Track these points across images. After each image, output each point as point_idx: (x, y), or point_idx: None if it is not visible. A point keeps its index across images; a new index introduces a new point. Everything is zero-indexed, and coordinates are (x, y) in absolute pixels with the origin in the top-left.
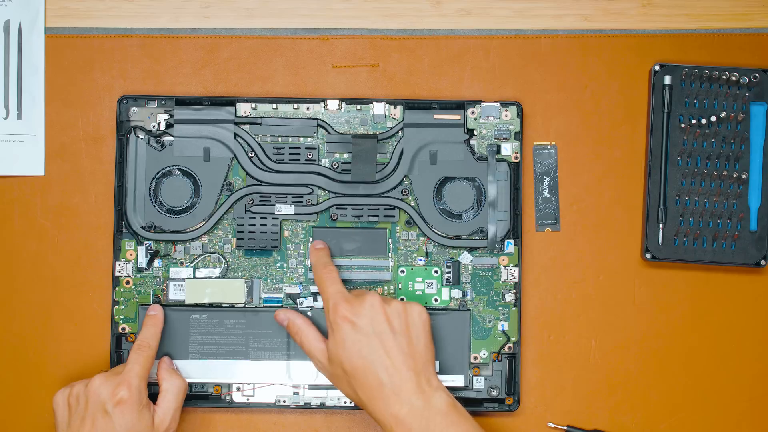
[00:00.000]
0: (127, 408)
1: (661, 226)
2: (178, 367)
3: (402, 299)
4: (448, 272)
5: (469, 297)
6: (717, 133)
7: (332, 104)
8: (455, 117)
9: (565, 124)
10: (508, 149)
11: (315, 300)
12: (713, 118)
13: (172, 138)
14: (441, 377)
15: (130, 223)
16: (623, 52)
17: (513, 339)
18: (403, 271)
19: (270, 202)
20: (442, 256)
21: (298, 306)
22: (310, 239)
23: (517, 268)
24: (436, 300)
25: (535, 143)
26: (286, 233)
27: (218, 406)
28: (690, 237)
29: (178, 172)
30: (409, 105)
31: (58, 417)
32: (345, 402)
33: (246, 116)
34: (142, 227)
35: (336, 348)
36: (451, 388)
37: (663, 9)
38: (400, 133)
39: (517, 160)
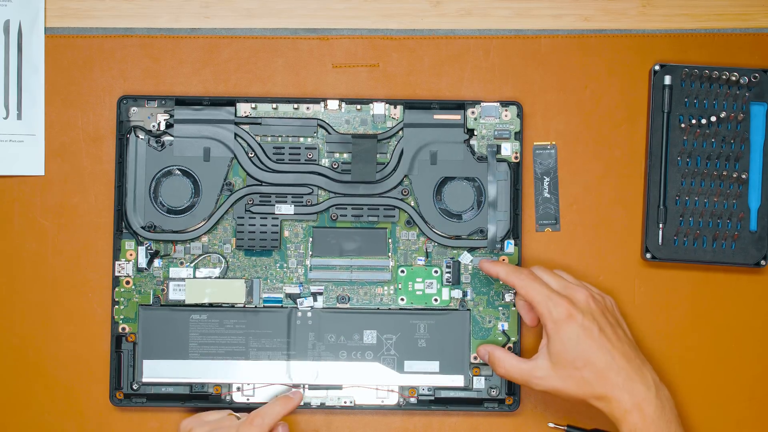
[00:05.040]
0: None
1: (661, 226)
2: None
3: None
4: (448, 272)
5: (469, 297)
6: (717, 133)
7: (332, 104)
8: (455, 117)
9: (565, 124)
10: (508, 149)
11: (315, 300)
12: (713, 118)
13: (172, 138)
14: (440, 377)
15: (130, 223)
16: (623, 52)
17: (513, 339)
18: (403, 271)
19: (270, 202)
20: (442, 256)
21: (298, 306)
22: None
23: None
24: (436, 300)
25: (535, 143)
26: (286, 233)
27: (218, 406)
28: (690, 237)
29: (178, 172)
30: (409, 105)
31: None
32: (345, 402)
33: (246, 116)
34: (142, 227)
35: (564, 347)
36: (451, 388)
37: (663, 9)
38: (400, 133)
39: (517, 160)
